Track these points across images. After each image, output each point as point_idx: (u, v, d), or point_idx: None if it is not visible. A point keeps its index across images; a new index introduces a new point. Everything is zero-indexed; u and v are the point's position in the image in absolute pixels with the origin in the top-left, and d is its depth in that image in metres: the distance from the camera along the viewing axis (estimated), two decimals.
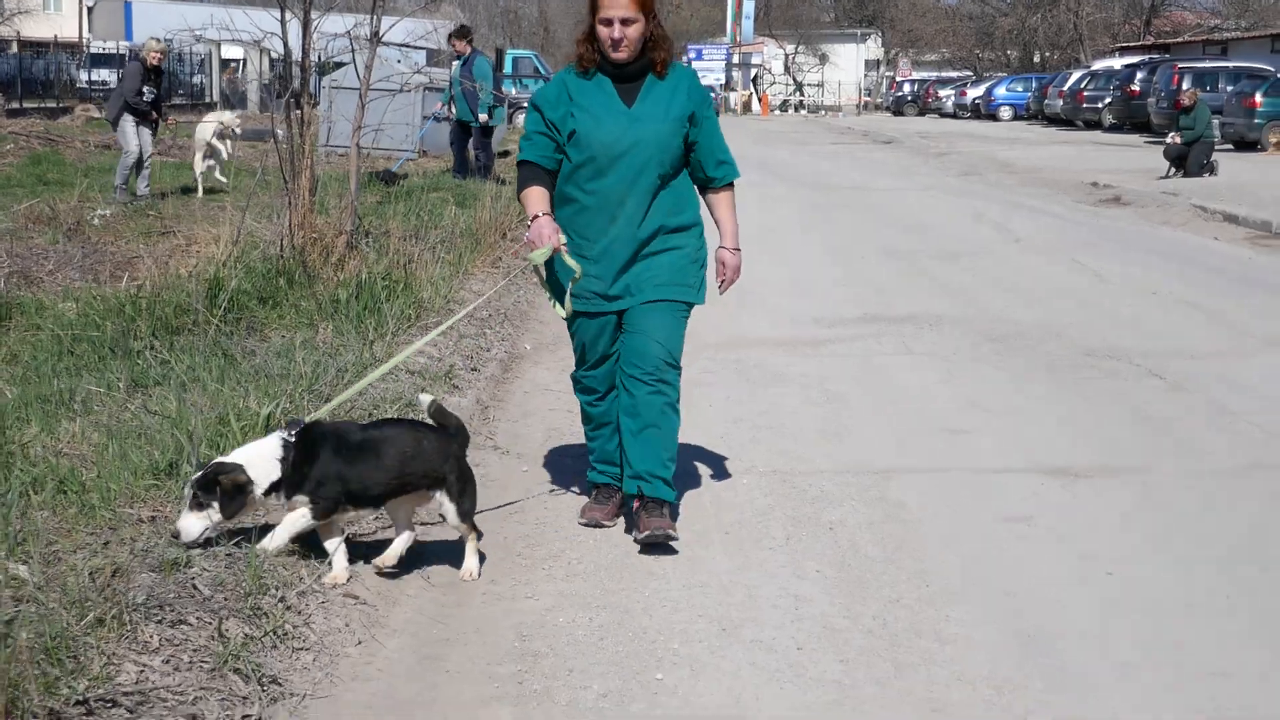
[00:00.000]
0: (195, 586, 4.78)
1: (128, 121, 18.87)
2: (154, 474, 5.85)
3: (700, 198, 6.32)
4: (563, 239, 5.92)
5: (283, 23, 12.24)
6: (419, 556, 5.80)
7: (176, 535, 5.11)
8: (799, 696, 4.70)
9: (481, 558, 5.77)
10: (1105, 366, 9.86)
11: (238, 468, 5.17)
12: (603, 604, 5.46)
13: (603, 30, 5.95)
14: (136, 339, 8.52)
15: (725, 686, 4.76)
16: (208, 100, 57.32)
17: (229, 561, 5.06)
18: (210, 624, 4.56)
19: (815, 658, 4.98)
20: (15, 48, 53.30)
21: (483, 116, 20.99)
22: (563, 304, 6.10)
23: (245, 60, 56.47)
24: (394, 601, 5.43)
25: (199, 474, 5.16)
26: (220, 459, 5.26)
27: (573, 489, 6.93)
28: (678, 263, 6.12)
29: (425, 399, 5.84)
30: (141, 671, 4.19)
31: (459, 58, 21.33)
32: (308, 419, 5.53)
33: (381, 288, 10.16)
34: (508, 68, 65.75)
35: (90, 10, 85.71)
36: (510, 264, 13.44)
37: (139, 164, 18.88)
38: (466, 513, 5.62)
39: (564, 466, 7.35)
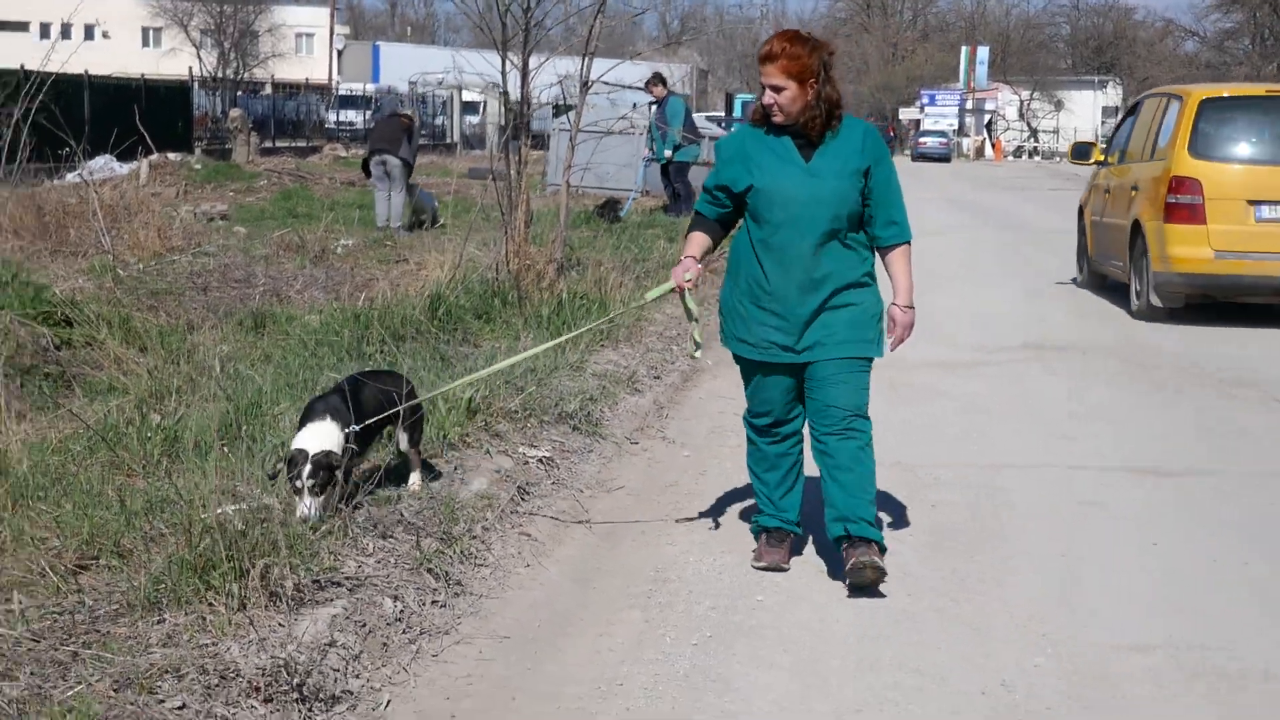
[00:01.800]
0: (402, 514, 6.24)
1: (397, 164, 20.50)
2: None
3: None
4: (688, 279, 6.34)
5: (503, 72, 13.85)
6: (582, 510, 7.21)
7: (307, 519, 5.89)
8: (869, 617, 5.94)
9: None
10: (1236, 394, 10.82)
11: (333, 453, 6.11)
12: (727, 551, 6.74)
13: (764, 95, 6.21)
14: (369, 344, 10.06)
15: (810, 608, 6.04)
16: (448, 141, 59.81)
17: (429, 500, 6.50)
18: (411, 539, 6.01)
19: (890, 590, 6.21)
20: (269, 89, 56.35)
21: (666, 153, 22.49)
22: (695, 342, 6.80)
23: (485, 103, 58.97)
24: (560, 541, 6.84)
25: (309, 467, 5.98)
26: (310, 450, 6.06)
27: (725, 467, 8.21)
28: (858, 319, 6.20)
29: None
30: (359, 566, 5.66)
31: (655, 102, 22.87)
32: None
33: (579, 306, 11.64)
34: (737, 111, 67.39)
35: (340, 54, 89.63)
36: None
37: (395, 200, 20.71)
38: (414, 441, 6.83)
39: (720, 454, 8.65)
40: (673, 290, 6.49)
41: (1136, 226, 14.94)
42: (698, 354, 7.02)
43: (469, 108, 64.53)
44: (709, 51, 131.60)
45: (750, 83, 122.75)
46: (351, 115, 60.11)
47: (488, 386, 8.29)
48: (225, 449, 6.86)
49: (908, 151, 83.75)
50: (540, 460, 7.76)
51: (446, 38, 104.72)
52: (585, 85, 14.25)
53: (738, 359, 6.52)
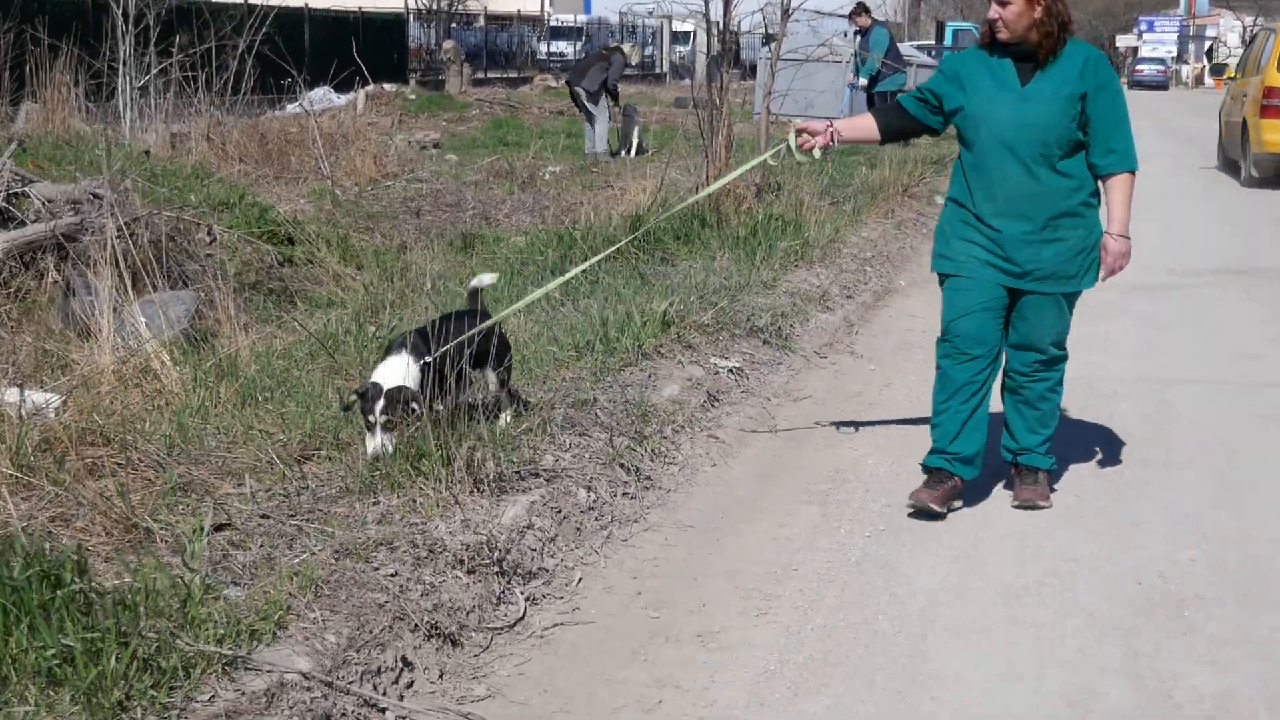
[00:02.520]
0: (598, 415, 6.67)
1: (604, 99, 21.48)
2: (576, 350, 7.77)
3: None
4: (794, 130, 6.50)
5: (706, 2, 14.18)
6: (769, 416, 7.60)
7: (378, 456, 5.71)
8: (1034, 514, 6.23)
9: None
10: None
11: (407, 389, 5.81)
12: (907, 455, 7.04)
13: (989, 10, 6.08)
14: (571, 263, 10.51)
15: (978, 506, 6.35)
16: (657, 72, 60.14)
17: (623, 403, 6.93)
18: (605, 437, 6.45)
19: (1057, 490, 6.49)
20: (482, 21, 57.20)
21: (861, 81, 22.73)
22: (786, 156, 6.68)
23: (694, 33, 59.16)
24: (745, 444, 7.23)
25: (382, 402, 5.72)
26: (384, 385, 5.79)
27: (909, 380, 8.52)
28: (1062, 254, 6.08)
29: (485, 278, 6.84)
30: (556, 460, 6.11)
31: (859, 31, 23.05)
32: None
33: (774, 228, 11.97)
34: (948, 39, 66.56)
35: None
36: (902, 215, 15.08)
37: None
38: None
39: (905, 369, 8.95)
40: (782, 145, 6.63)
41: (1244, 122, 20.48)
42: (773, 157, 6.89)
43: (678, 38, 64.69)
44: None
45: (965, 10, 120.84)
46: (562, 46, 60.63)
47: (682, 301, 8.68)
48: None
49: (1124, 79, 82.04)
50: (730, 370, 8.14)
51: None
52: (786, 13, 14.52)
53: (940, 278, 6.38)
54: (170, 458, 5.76)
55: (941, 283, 6.38)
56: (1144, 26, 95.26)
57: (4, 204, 9.65)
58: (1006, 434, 6.43)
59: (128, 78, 17.42)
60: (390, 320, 8.43)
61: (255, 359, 7.42)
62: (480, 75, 45.82)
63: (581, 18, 68.97)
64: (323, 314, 8.90)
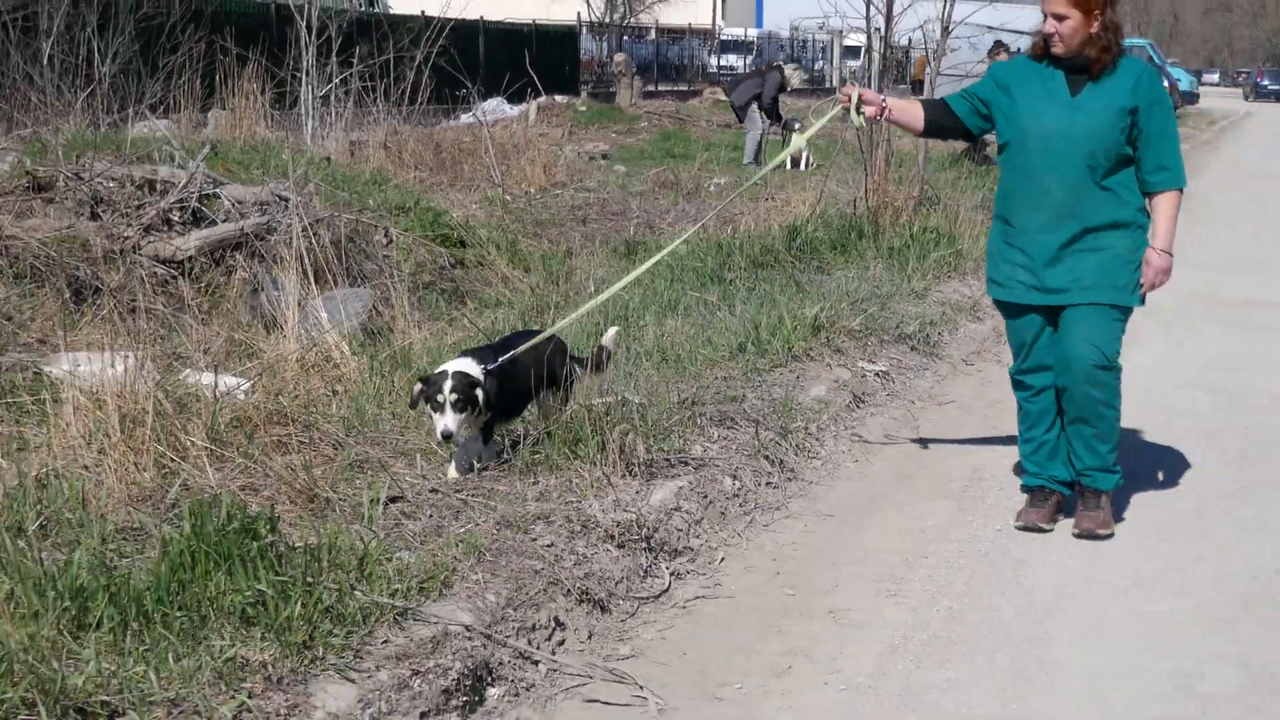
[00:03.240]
0: (746, 410, 7.05)
1: (755, 111, 22.11)
2: (729, 351, 8.15)
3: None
4: (850, 98, 6.31)
5: (867, 17, 14.51)
6: (912, 419, 7.93)
7: (448, 434, 5.88)
8: (1157, 515, 6.49)
9: None
10: None
11: (472, 375, 5.99)
12: None
13: (1044, 24, 6.02)
14: (730, 270, 10.92)
15: None
16: (826, 86, 60.25)
17: (771, 401, 7.30)
18: (751, 431, 6.83)
19: (1180, 493, 6.75)
20: (654, 34, 57.77)
21: None
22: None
23: (866, 47, 59.19)
24: (887, 443, 7.55)
25: (450, 382, 5.89)
26: (458, 370, 5.99)
27: None
28: (1106, 263, 6.00)
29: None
30: (704, 450, 6.51)
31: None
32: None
33: (928, 239, 12.27)
34: None
35: None
36: None
37: (760, 144, 21.97)
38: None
39: None
40: (839, 110, 6.58)
41: None
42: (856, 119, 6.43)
43: (850, 52, 64.70)
44: None
45: (1140, 26, 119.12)
46: (733, 59, 60.91)
47: (832, 307, 9.03)
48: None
49: None
50: (877, 374, 8.48)
51: None
52: (946, 29, 14.78)
53: (996, 304, 6.48)
54: (348, 438, 6.26)
55: (996, 305, 6.50)
56: None
57: (197, 204, 10.29)
58: (1073, 455, 6.33)
59: (310, 87, 18.15)
60: (554, 319, 8.87)
61: (427, 352, 7.91)
62: (650, 88, 46.33)
63: (753, 32, 69.20)
64: (491, 313, 9.38)
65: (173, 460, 5.75)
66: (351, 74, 17.37)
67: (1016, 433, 6.70)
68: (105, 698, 3.74)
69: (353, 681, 4.10)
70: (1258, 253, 15.79)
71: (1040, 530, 6.20)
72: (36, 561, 4.36)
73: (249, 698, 3.85)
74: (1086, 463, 6.25)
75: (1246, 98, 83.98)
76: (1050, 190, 6.00)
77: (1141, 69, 6.05)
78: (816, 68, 63.15)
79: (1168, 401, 8.56)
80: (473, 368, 6.03)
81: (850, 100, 6.34)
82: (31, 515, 4.93)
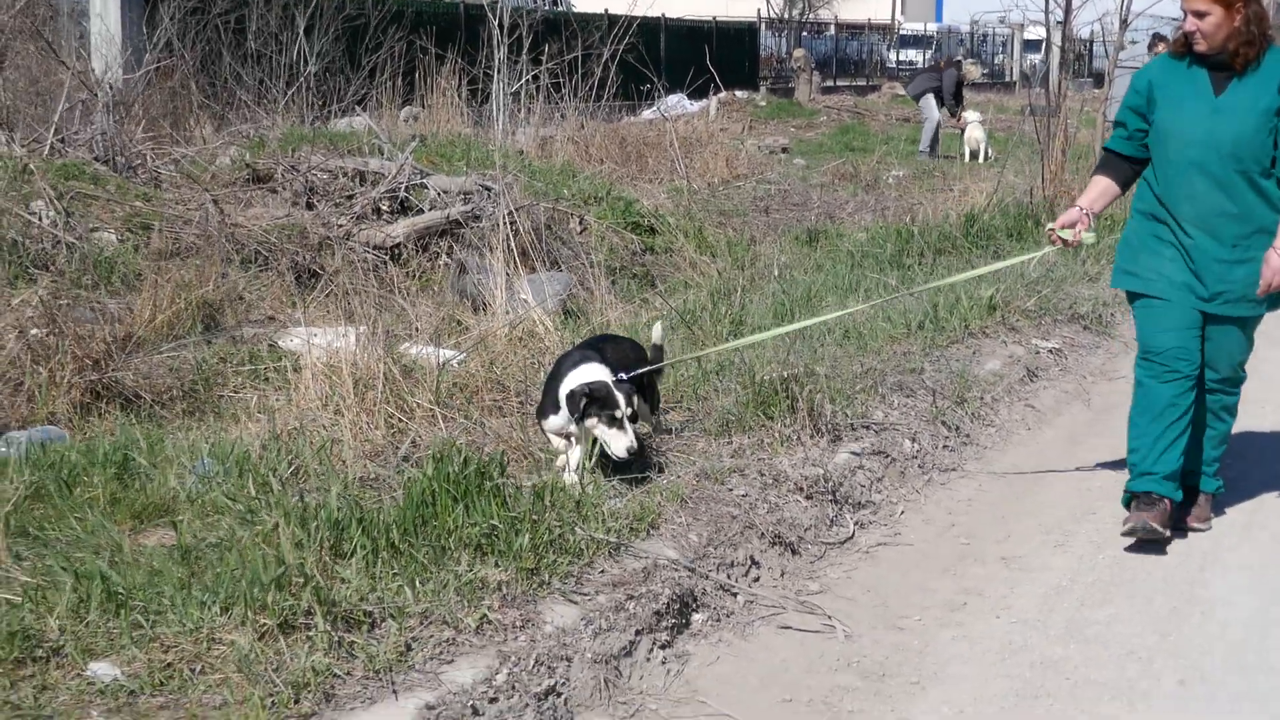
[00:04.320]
0: (924, 381, 7.52)
1: (930, 99, 22.46)
2: (908, 329, 8.60)
3: None
4: (1068, 235, 6.06)
5: (1046, 10, 14.81)
6: (1084, 391, 8.31)
7: (633, 452, 5.61)
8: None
9: None
10: None
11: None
12: None
13: (1185, 22, 5.77)
14: (909, 256, 11.35)
15: (1265, 466, 6.97)
16: (1007, 80, 59.89)
17: (948, 373, 7.74)
18: (929, 399, 7.29)
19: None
20: (833, 30, 57.96)
21: None
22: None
23: (1046, 41, 58.72)
24: (1059, 413, 8.01)
25: (623, 395, 5.61)
26: (609, 380, 5.68)
27: None
28: (1251, 278, 5.77)
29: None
30: (886, 415, 7.00)
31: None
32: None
33: (1103, 227, 12.54)
34: None
35: None
36: None
37: (936, 135, 22.32)
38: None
39: None
40: (1055, 245, 6.25)
41: None
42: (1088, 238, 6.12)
43: (1030, 46, 64.22)
44: None
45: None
46: (912, 54, 60.87)
47: (1008, 288, 9.44)
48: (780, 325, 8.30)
49: None
50: (1050, 350, 8.88)
51: None
52: (1124, 22, 15.02)
53: (1129, 296, 6.15)
54: None
55: (1130, 300, 6.15)
56: None
57: (404, 194, 10.99)
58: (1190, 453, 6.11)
59: (502, 84, 18.86)
60: (741, 302, 9.37)
61: (623, 329, 8.47)
62: (829, 83, 46.59)
63: (932, 26, 68.99)
64: (680, 294, 9.92)
65: (401, 420, 6.38)
66: (541, 71, 18.02)
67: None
68: (368, 608, 4.34)
69: (575, 603, 4.66)
70: None
71: (1153, 532, 5.80)
72: (298, 499, 4.98)
73: (489, 611, 4.44)
74: (1193, 464, 6.13)
75: None
76: (1196, 194, 5.77)
77: None
78: (997, 62, 62.81)
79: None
80: (609, 375, 5.73)
81: (1058, 237, 6.12)
82: (284, 465, 5.57)
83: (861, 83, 50.28)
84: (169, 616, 4.22)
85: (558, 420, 5.78)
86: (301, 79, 17.08)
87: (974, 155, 22.07)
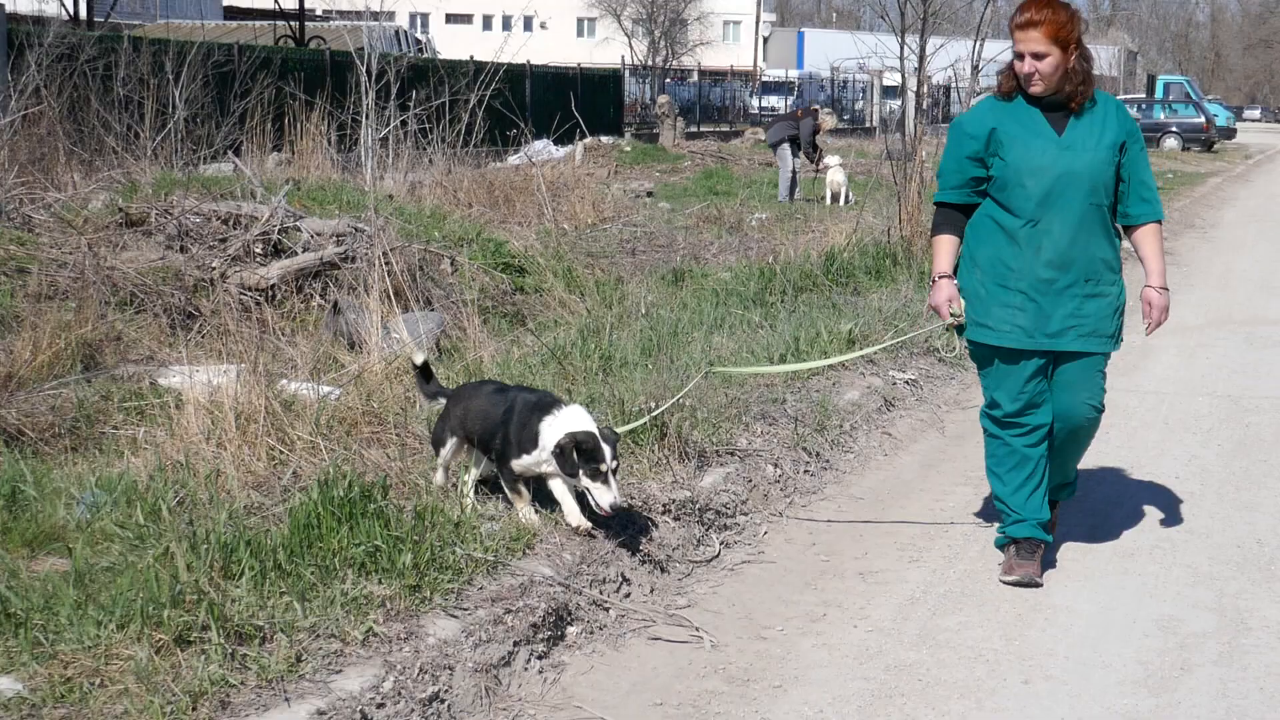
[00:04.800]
0: (786, 410, 7.86)
1: (786, 149, 22.99)
2: (770, 361, 8.94)
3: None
4: (955, 310, 6.03)
5: (901, 56, 15.34)
6: (938, 420, 8.71)
7: (617, 507, 5.53)
8: (1165, 495, 7.24)
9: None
10: None
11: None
12: None
13: (1017, 64, 5.85)
14: (771, 294, 11.72)
15: (1110, 487, 7.38)
16: (867, 125, 61.00)
17: (809, 403, 8.10)
18: (791, 426, 7.64)
19: (1182, 476, 7.50)
20: (696, 77, 58.76)
21: None
22: (948, 341, 6.58)
23: (903, 87, 59.85)
24: (915, 440, 8.40)
25: (610, 447, 5.49)
26: (594, 429, 5.56)
27: None
28: (1103, 311, 5.91)
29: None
30: (749, 442, 7.34)
31: None
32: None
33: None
34: (1159, 93, 66.45)
35: (765, 41, 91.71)
36: None
37: (793, 181, 22.85)
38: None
39: None
40: (946, 327, 6.25)
41: None
42: (949, 351, 6.57)
43: (890, 91, 65.46)
44: (1141, 32, 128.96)
45: (1184, 63, 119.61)
46: (774, 100, 61.83)
47: (866, 323, 9.83)
48: (649, 364, 8.61)
49: None
50: (906, 382, 9.29)
51: (873, 23, 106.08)
52: (976, 68, 15.60)
53: (974, 346, 6.13)
54: (430, 433, 7.07)
55: (973, 346, 6.16)
56: None
57: (278, 236, 11.17)
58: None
59: (370, 129, 19.06)
60: (610, 338, 9.66)
61: (495, 365, 8.73)
62: (693, 129, 47.29)
63: (793, 73, 70.11)
64: (551, 332, 10.20)
65: (282, 452, 6.58)
66: (409, 117, 18.25)
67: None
68: (259, 623, 4.56)
69: (457, 617, 4.92)
70: (1272, 277, 16.51)
71: (1035, 585, 6.00)
72: (188, 524, 5.19)
73: (375, 624, 4.68)
74: (1059, 485, 6.35)
75: None
76: (1051, 232, 5.81)
77: (1114, 102, 6.00)
78: (857, 108, 63.95)
79: (1175, 406, 9.31)
80: (593, 423, 5.64)
81: (946, 315, 6.10)
82: (170, 495, 5.76)
83: (725, 128, 51.02)
84: (67, 635, 4.41)
85: (527, 461, 5.69)
86: (170, 125, 17.18)
87: (835, 198, 22.63)
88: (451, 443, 6.13)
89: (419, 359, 6.71)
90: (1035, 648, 5.37)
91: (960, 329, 6.12)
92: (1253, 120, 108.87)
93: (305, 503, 5.28)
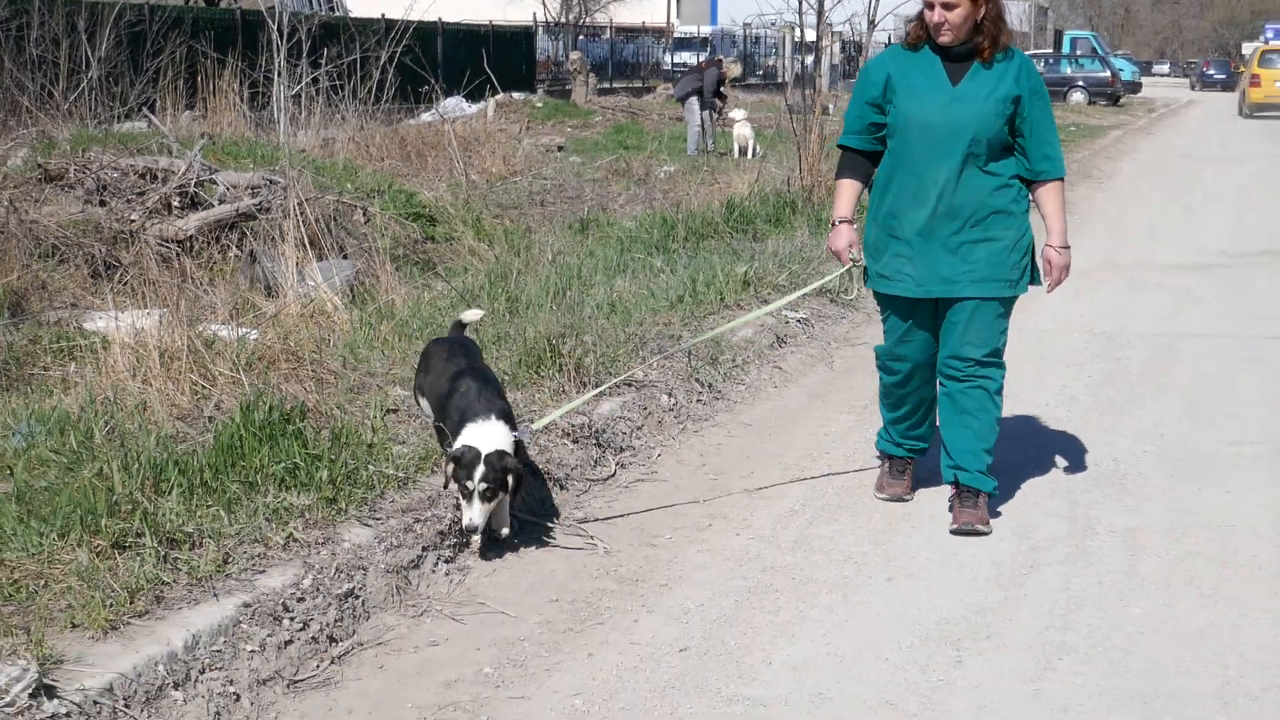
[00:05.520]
0: (680, 345, 8.34)
1: (693, 103, 23.44)
2: (669, 303, 9.43)
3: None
4: (855, 255, 6.23)
5: (800, 11, 15.84)
6: (827, 356, 9.24)
7: (472, 529, 5.51)
8: (1028, 424, 7.79)
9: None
10: None
11: (508, 455, 5.55)
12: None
13: (926, 13, 5.89)
14: (673, 241, 12.21)
15: None
16: (779, 80, 61.46)
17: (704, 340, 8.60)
18: (685, 359, 8.13)
19: (1050, 403, 8.06)
20: (609, 33, 58.96)
21: None
22: (851, 282, 6.67)
23: (802, 40, 60.39)
24: (804, 374, 8.93)
25: (483, 469, 5.42)
26: (484, 450, 5.48)
27: None
28: (995, 257, 5.97)
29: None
30: (645, 373, 7.82)
31: None
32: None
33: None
34: (1065, 48, 67.41)
35: None
36: None
37: (703, 132, 23.34)
38: None
39: None
40: (846, 270, 6.41)
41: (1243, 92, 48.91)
42: (849, 294, 6.84)
43: (801, 48, 65.83)
44: None
45: (1095, 19, 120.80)
46: (687, 56, 62.06)
47: (762, 266, 10.34)
48: (553, 305, 9.07)
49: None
50: (798, 320, 9.80)
51: None
52: (872, 23, 16.12)
53: (876, 295, 6.38)
54: (345, 369, 7.51)
55: (876, 295, 6.38)
56: (1270, 34, 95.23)
57: (194, 189, 11.52)
58: (945, 452, 6.30)
59: (282, 87, 19.34)
60: (518, 284, 10.08)
61: (407, 307, 9.17)
62: (605, 85, 47.54)
63: (706, 29, 70.35)
64: (460, 277, 10.64)
65: (205, 387, 7.00)
66: (320, 74, 18.55)
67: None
68: (188, 530, 5.01)
69: (370, 526, 5.39)
70: (1161, 225, 17.18)
71: (903, 501, 6.45)
72: (118, 447, 5.62)
73: (295, 531, 5.14)
74: (966, 463, 6.20)
75: (1193, 87, 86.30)
76: (937, 181, 5.89)
77: (1022, 59, 6.01)
78: (769, 63, 64.37)
79: (1053, 343, 9.89)
80: (505, 437, 5.61)
81: (846, 260, 6.30)
82: (99, 425, 6.17)
83: (638, 84, 51.34)
84: (11, 544, 4.83)
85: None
86: (84, 84, 17.42)
87: (743, 152, 23.11)
88: (424, 403, 6.32)
89: (472, 316, 6.96)
90: (900, 551, 5.89)
91: (864, 275, 6.28)
92: (1161, 75, 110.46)
93: (229, 425, 5.72)
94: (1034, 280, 6.19)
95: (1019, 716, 4.46)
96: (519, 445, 5.71)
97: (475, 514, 5.45)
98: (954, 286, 5.98)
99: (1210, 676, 4.72)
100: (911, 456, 6.56)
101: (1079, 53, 60.55)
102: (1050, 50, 65.18)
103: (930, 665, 4.82)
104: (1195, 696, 4.59)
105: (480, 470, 5.41)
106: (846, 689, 4.64)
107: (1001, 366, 6.22)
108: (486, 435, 5.55)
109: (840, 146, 6.28)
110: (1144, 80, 72.81)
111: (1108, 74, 55.05)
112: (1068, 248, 6.14)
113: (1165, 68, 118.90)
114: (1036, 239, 6.14)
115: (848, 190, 6.25)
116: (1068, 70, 55.41)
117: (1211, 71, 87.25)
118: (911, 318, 6.16)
